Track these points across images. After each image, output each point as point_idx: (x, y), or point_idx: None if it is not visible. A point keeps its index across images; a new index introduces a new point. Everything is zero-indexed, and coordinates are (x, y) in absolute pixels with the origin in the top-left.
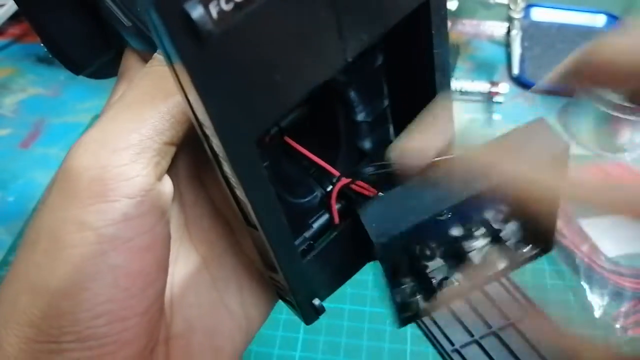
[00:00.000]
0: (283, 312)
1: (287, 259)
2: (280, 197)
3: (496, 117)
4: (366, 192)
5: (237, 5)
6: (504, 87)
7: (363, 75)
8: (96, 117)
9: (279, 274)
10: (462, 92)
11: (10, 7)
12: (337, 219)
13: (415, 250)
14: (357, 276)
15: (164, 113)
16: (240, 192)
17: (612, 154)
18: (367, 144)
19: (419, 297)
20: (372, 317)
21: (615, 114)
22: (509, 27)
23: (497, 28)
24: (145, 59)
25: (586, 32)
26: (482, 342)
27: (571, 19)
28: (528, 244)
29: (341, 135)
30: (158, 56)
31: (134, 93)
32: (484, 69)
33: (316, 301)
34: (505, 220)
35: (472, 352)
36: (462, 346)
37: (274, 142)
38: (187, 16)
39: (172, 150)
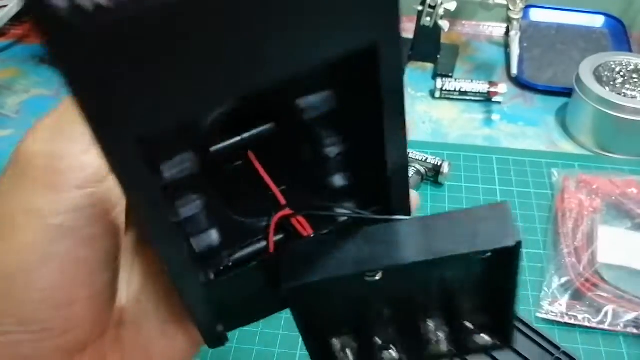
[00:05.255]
0: (283, 312)
1: (180, 274)
2: (219, 209)
3: (495, 117)
4: (301, 229)
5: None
6: (503, 87)
7: (325, 114)
8: None
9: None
10: (461, 93)
11: (13, 7)
12: (272, 248)
13: (348, 307)
14: None
15: None
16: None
17: (612, 154)
18: (325, 183)
19: (349, 353)
20: None
21: (615, 114)
22: (507, 28)
23: (496, 29)
24: None
25: (585, 33)
26: None
27: (570, 19)
28: (486, 332)
29: (300, 165)
30: None
31: None
32: (483, 70)
33: (219, 327)
34: (460, 303)
35: None
36: None
37: (234, 153)
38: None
39: None
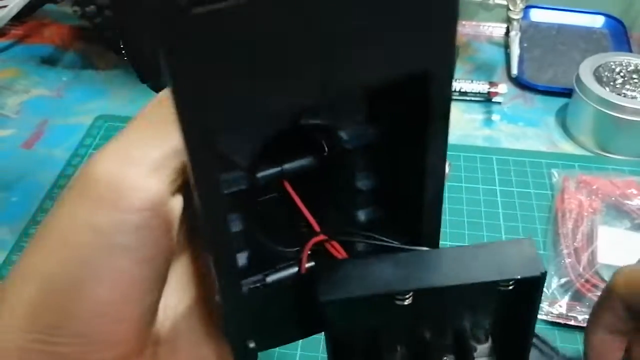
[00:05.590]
0: None
1: (228, 287)
2: (254, 237)
3: (495, 117)
4: (336, 253)
5: None
6: (503, 87)
7: (369, 146)
8: (99, 118)
9: (219, 302)
10: (461, 93)
11: (13, 8)
12: (304, 269)
13: (373, 335)
14: None
15: None
16: (196, 200)
17: (612, 154)
18: (358, 213)
19: None
20: None
21: (616, 114)
22: (508, 28)
23: (496, 29)
24: None
25: (585, 33)
26: None
27: (570, 20)
28: None
29: (334, 195)
30: None
31: (159, 112)
32: (483, 70)
33: (251, 343)
34: (475, 334)
35: None
36: None
37: (272, 182)
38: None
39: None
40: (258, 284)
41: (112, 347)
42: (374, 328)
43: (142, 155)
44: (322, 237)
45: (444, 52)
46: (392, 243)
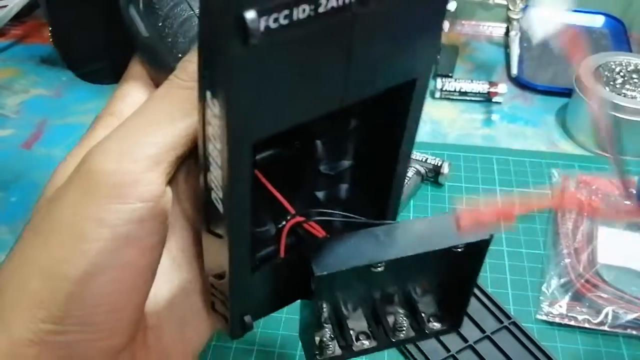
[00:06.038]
0: (283, 312)
1: (239, 267)
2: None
3: (495, 117)
4: (316, 232)
5: (281, 26)
6: (503, 87)
7: (335, 132)
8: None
9: (224, 280)
10: (461, 93)
11: (13, 8)
12: (283, 253)
13: (344, 297)
14: None
15: (180, 131)
16: (217, 195)
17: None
18: (324, 194)
19: (334, 342)
20: None
21: (615, 114)
22: (507, 28)
23: (496, 29)
24: (150, 71)
25: (585, 33)
26: (459, 356)
27: (570, 19)
28: (439, 320)
29: (304, 179)
30: (175, 79)
31: (155, 110)
32: (482, 70)
33: (247, 317)
34: (423, 293)
35: None
36: None
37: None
38: (242, 20)
39: (178, 163)
40: (255, 268)
41: (115, 335)
42: (350, 293)
43: (142, 150)
44: (299, 218)
45: (429, 62)
46: (361, 219)
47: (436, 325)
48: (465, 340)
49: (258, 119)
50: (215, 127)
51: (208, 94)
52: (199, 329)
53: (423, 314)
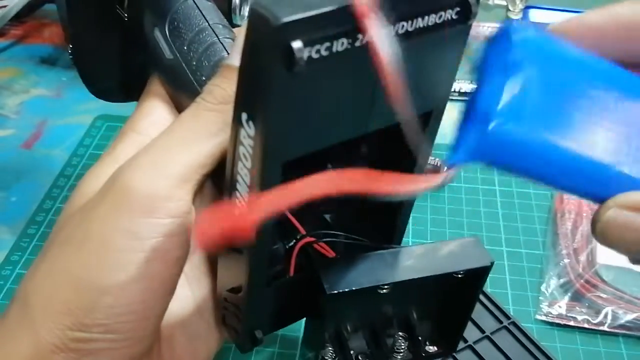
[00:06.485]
0: None
1: (256, 281)
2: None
3: None
4: (326, 253)
5: (322, 57)
6: None
7: (346, 161)
8: (98, 118)
9: (240, 295)
10: (461, 93)
11: (13, 8)
12: (292, 272)
13: (348, 317)
14: None
15: (207, 151)
16: None
17: None
18: (331, 216)
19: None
20: None
21: None
22: None
23: (496, 29)
24: (170, 91)
25: None
26: (458, 356)
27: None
28: (435, 343)
29: (314, 201)
30: (202, 101)
31: (184, 131)
32: None
33: (258, 333)
34: (422, 317)
35: None
36: None
37: None
38: (290, 49)
39: (204, 181)
40: (269, 282)
41: (138, 343)
42: (354, 313)
43: (172, 168)
44: (310, 239)
45: (446, 94)
46: (367, 242)
47: (432, 349)
48: (464, 340)
49: (291, 141)
50: (248, 147)
51: (244, 115)
52: (209, 342)
53: (420, 337)
